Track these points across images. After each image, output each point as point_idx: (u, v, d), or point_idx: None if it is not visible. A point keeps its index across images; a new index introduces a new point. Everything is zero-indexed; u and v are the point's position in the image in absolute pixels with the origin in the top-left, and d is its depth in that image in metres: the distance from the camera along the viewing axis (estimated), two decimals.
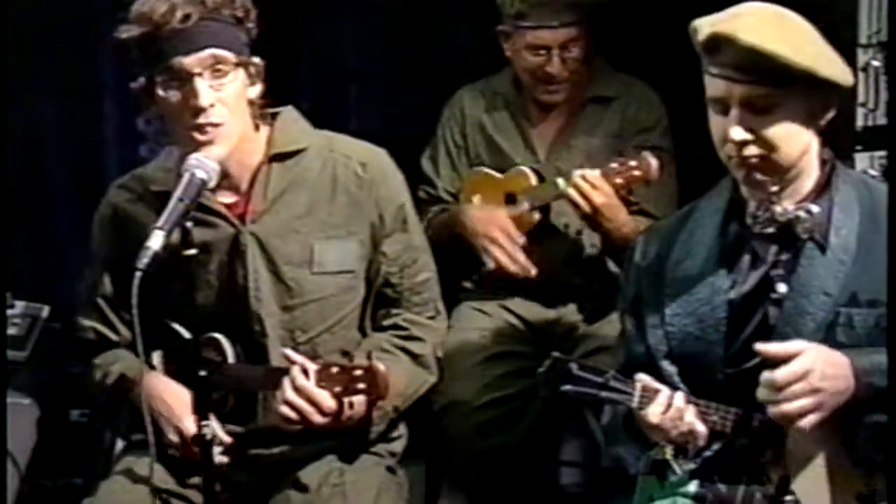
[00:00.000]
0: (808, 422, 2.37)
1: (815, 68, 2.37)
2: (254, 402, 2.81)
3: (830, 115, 2.47)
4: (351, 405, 2.68)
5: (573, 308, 3.56)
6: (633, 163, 3.29)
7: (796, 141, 2.44)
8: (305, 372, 2.65)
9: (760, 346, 2.39)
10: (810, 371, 2.35)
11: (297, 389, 2.64)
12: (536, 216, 3.49)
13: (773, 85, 2.38)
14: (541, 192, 3.47)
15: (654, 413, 2.44)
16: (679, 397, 2.44)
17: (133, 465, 2.79)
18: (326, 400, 2.64)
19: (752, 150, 2.42)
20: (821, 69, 2.38)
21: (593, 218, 3.32)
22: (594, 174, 3.29)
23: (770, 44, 2.34)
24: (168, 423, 2.75)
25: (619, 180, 3.29)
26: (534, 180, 3.51)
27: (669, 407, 2.43)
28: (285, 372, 2.68)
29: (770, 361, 2.38)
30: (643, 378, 2.48)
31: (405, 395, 2.85)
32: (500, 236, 3.45)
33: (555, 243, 3.53)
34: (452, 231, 3.53)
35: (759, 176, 2.45)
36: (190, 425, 2.67)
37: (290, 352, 2.71)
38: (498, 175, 3.59)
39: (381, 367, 2.62)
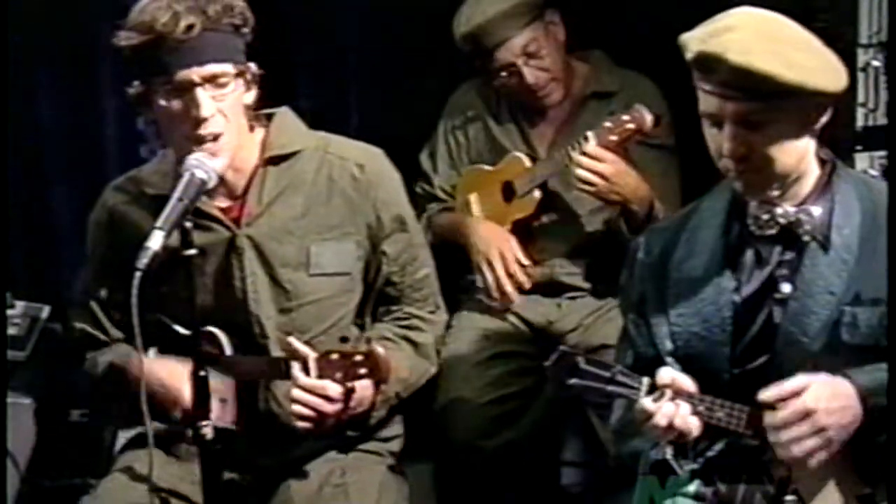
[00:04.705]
0: (815, 462, 2.36)
1: (806, 82, 2.35)
2: (255, 394, 2.80)
3: (826, 117, 2.46)
4: (354, 389, 2.67)
5: (574, 306, 3.55)
6: (625, 117, 3.29)
7: (793, 150, 2.44)
8: (305, 365, 2.64)
9: (762, 395, 2.38)
10: (812, 410, 2.35)
11: (303, 387, 2.63)
12: (537, 195, 3.49)
13: (766, 100, 2.37)
14: (538, 170, 3.47)
15: (647, 403, 2.42)
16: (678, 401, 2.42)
17: (132, 463, 2.79)
18: (332, 387, 2.64)
19: (749, 165, 2.42)
20: (812, 81, 2.36)
21: (607, 191, 3.30)
22: (591, 147, 3.29)
23: (759, 62, 2.32)
24: (167, 400, 2.72)
25: (613, 138, 3.29)
26: (528, 163, 3.51)
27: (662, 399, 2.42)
28: (285, 361, 2.68)
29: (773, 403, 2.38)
30: (669, 374, 2.46)
31: (408, 381, 2.85)
32: (497, 261, 3.46)
33: (561, 232, 3.54)
34: (454, 239, 3.53)
35: (758, 185, 2.45)
36: (188, 394, 2.65)
37: (293, 339, 2.71)
38: (491, 168, 3.59)
39: (380, 350, 2.62)
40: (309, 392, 2.64)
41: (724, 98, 2.38)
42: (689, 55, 2.39)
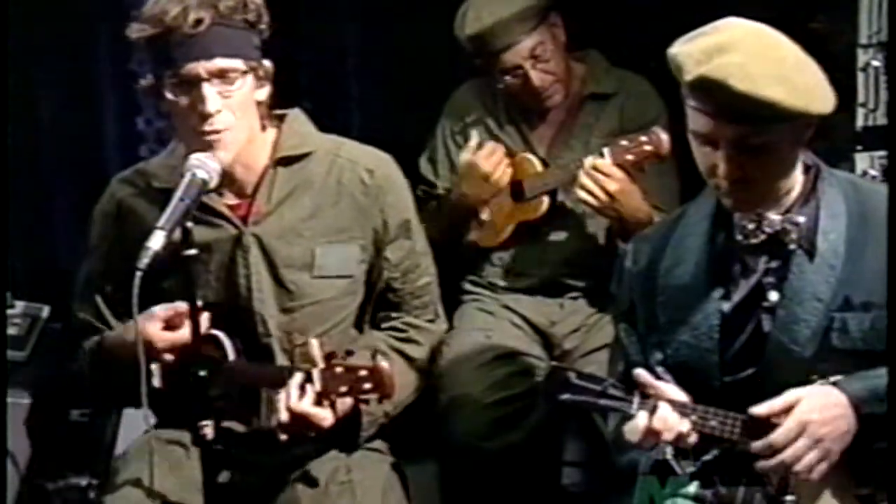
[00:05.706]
0: (818, 473, 2.36)
1: (808, 107, 2.32)
2: (257, 399, 2.80)
3: (812, 131, 2.42)
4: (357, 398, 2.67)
5: (576, 307, 3.55)
6: (643, 138, 3.27)
7: (785, 167, 2.42)
8: (309, 376, 2.63)
9: (754, 410, 2.37)
10: (808, 423, 2.34)
11: (292, 411, 2.63)
12: (545, 200, 3.48)
13: (765, 123, 2.32)
14: (549, 177, 3.47)
15: (640, 424, 2.41)
16: (664, 406, 2.42)
17: (135, 475, 2.77)
18: (325, 419, 2.64)
19: (743, 185, 2.39)
20: (813, 106, 2.33)
21: (609, 206, 3.30)
22: (605, 163, 3.28)
23: (764, 89, 2.27)
24: (158, 342, 2.69)
25: (629, 157, 3.28)
26: (539, 167, 3.50)
27: (654, 414, 2.41)
28: (289, 370, 2.68)
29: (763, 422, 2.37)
30: (643, 374, 2.46)
31: (397, 400, 2.83)
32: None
33: (565, 232, 3.53)
34: (449, 212, 3.53)
35: (749, 202, 2.42)
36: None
37: (314, 342, 2.68)
38: None
39: (385, 365, 2.61)
40: (299, 419, 2.63)
41: (722, 121, 2.34)
42: (686, 77, 2.32)
